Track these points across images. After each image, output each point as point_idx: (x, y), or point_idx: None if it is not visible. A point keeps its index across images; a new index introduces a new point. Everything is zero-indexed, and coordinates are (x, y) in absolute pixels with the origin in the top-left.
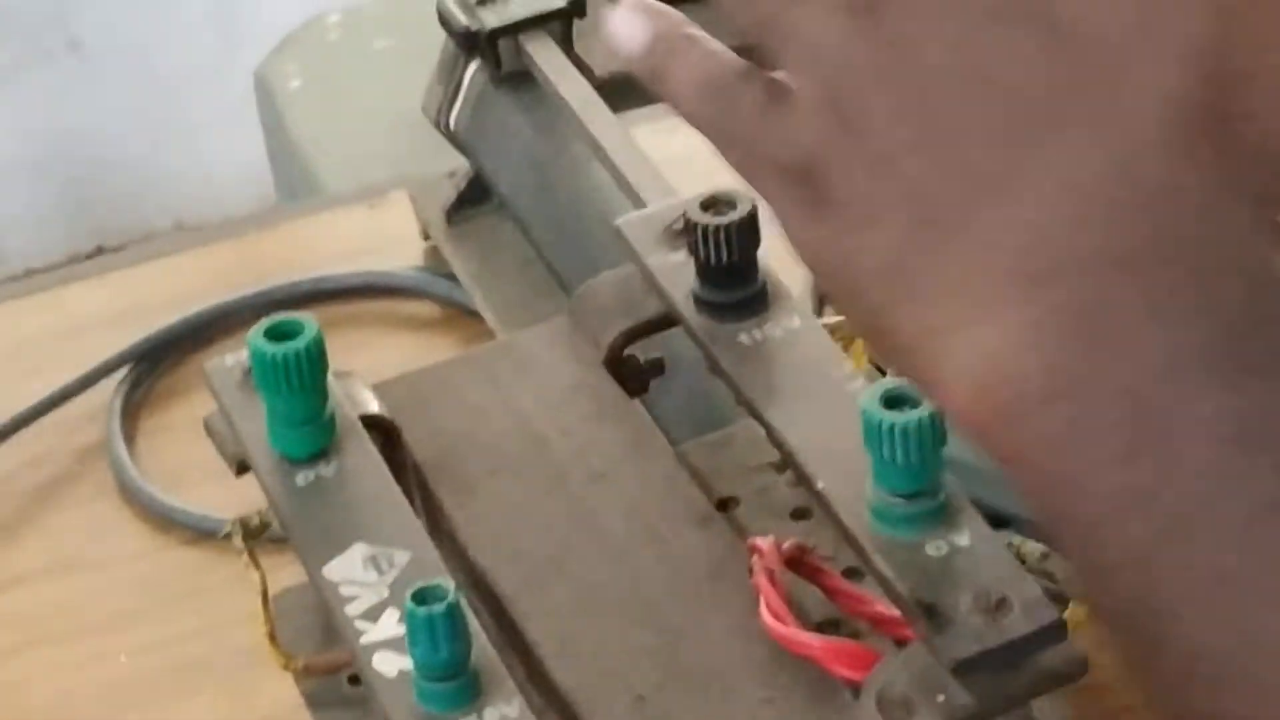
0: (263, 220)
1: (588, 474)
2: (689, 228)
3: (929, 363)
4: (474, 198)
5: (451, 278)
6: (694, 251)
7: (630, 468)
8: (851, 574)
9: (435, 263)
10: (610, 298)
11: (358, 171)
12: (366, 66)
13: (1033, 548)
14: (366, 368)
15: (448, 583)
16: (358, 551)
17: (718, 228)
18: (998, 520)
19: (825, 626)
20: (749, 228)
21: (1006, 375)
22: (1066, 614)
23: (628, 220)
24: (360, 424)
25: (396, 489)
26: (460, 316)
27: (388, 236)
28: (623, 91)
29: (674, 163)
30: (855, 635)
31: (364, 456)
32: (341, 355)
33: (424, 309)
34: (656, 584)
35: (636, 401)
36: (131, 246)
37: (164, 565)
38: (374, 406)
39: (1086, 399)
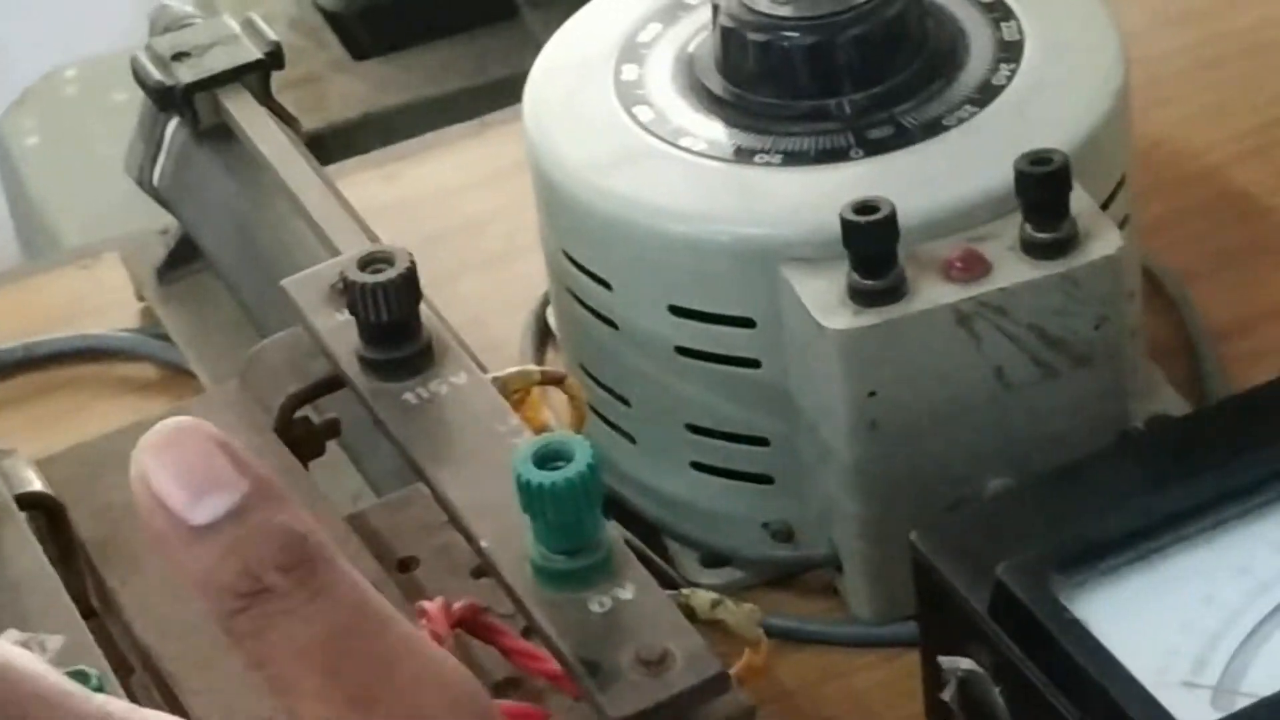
0: None
1: None
2: (347, 287)
3: None
4: (185, 256)
5: (167, 338)
6: (354, 311)
7: None
8: (531, 632)
9: (151, 323)
10: (280, 360)
11: (100, 228)
12: (105, 120)
13: (703, 597)
14: (85, 433)
15: (94, 668)
16: (9, 637)
17: (375, 286)
18: (717, 559)
19: (506, 686)
20: (407, 285)
21: None
22: (743, 662)
23: (293, 281)
24: (14, 505)
25: (51, 571)
26: (178, 377)
27: (105, 298)
28: (332, 145)
29: (393, 210)
30: (537, 694)
31: (18, 539)
32: (58, 421)
33: (142, 371)
34: None
35: (307, 469)
36: None
37: None
38: (35, 484)
39: None
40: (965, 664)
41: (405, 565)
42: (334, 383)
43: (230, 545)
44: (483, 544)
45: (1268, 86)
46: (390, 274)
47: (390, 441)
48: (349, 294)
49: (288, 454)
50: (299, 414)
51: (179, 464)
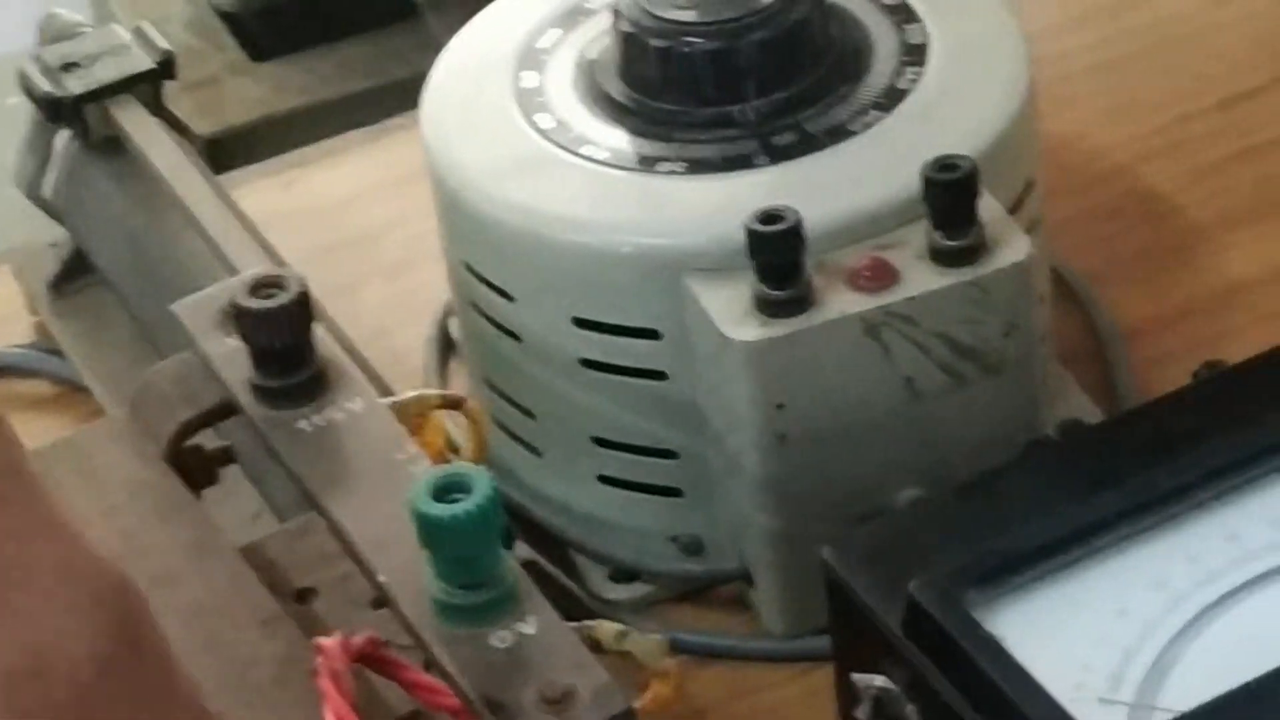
0: None
1: (148, 579)
2: (238, 313)
3: None
4: (79, 269)
5: (61, 353)
6: (246, 337)
7: (192, 570)
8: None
9: (45, 338)
10: (170, 387)
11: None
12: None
13: (609, 629)
14: None
15: None
16: None
17: (266, 311)
18: (625, 574)
19: None
20: (300, 309)
21: None
22: (651, 694)
23: (184, 304)
24: None
25: None
26: (74, 394)
27: None
28: (231, 148)
29: (291, 218)
30: None
31: None
32: None
33: (36, 388)
34: (220, 693)
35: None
36: None
37: None
38: None
39: None
40: (879, 681)
41: (303, 596)
42: (226, 410)
43: None
44: (381, 578)
45: (1172, 84)
46: (282, 299)
47: (285, 471)
48: (240, 320)
49: (178, 484)
50: (191, 442)
51: None
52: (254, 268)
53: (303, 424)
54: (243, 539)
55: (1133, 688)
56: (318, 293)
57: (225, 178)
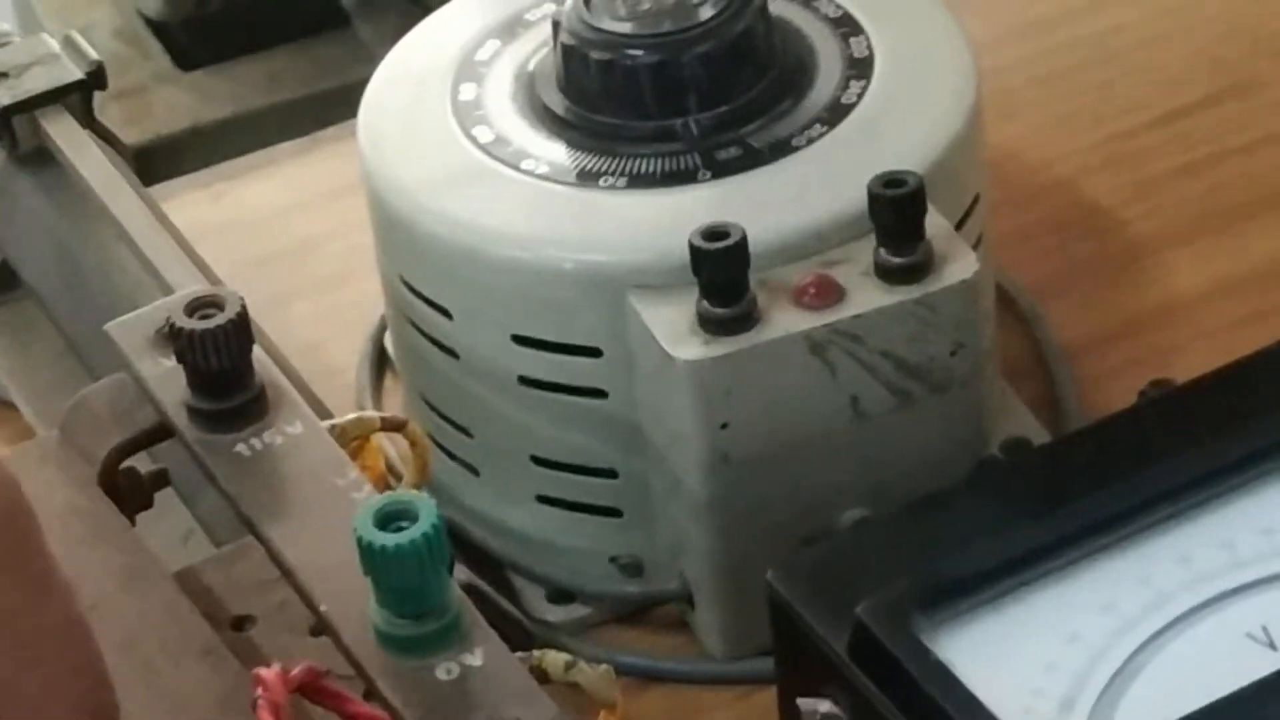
0: None
1: (81, 608)
2: (175, 334)
3: None
4: (5, 283)
5: None
6: (182, 358)
7: (126, 597)
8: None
9: None
10: (103, 409)
11: None
12: None
13: (556, 659)
14: None
15: None
16: None
17: (204, 332)
18: (563, 594)
19: None
20: (239, 330)
21: None
22: None
23: (118, 324)
24: None
25: None
26: (1, 411)
27: None
28: (159, 159)
29: (221, 231)
30: None
31: None
32: None
33: None
34: None
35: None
36: None
37: None
38: None
39: None
40: (824, 706)
41: (239, 624)
42: (161, 432)
43: None
44: (322, 608)
45: (1116, 97)
46: (220, 320)
47: (222, 496)
48: (176, 341)
49: (112, 509)
50: (125, 465)
51: None
52: (187, 285)
53: (240, 448)
54: (174, 561)
55: (1084, 714)
56: (249, 307)
57: (154, 189)
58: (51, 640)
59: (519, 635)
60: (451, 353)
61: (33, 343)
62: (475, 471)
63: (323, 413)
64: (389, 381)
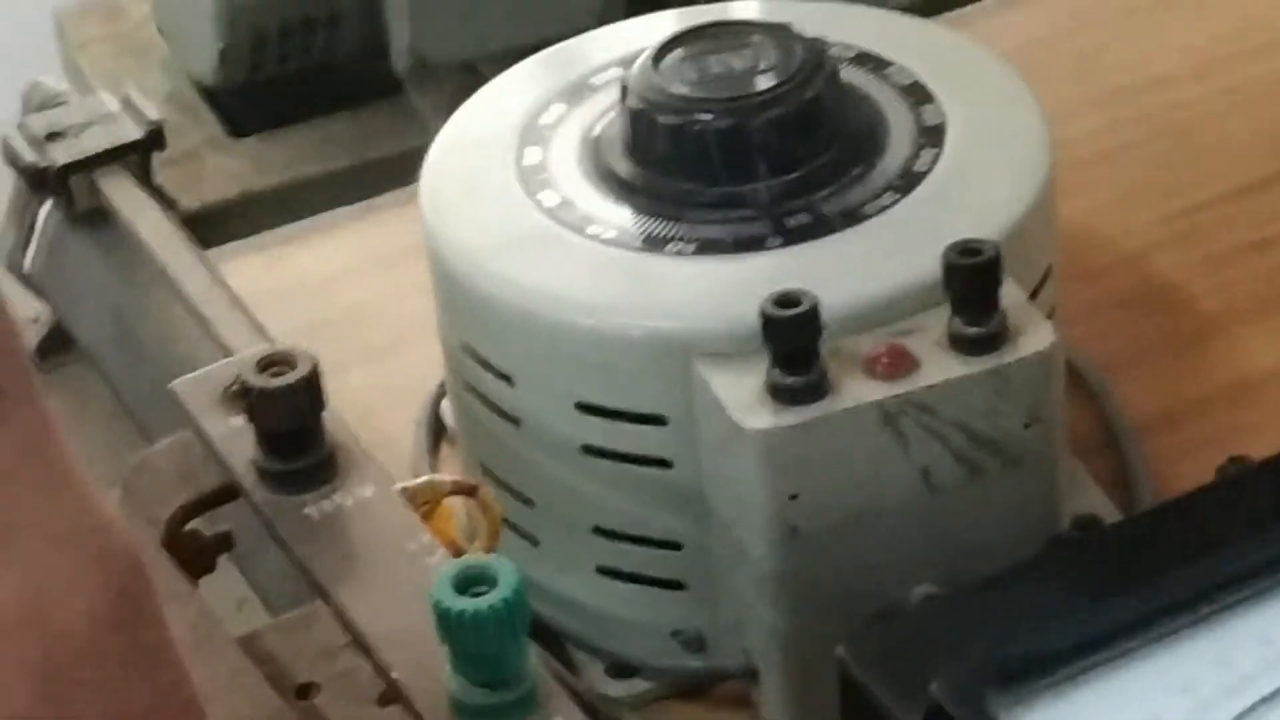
0: None
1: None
2: (245, 392)
3: None
4: (59, 344)
5: None
6: (252, 417)
7: (192, 665)
8: None
9: None
10: (168, 469)
11: None
12: None
13: None
14: None
15: None
16: None
17: (275, 391)
18: (624, 669)
19: None
20: (310, 389)
21: None
22: None
23: (183, 382)
24: None
25: None
26: None
27: None
28: (210, 225)
29: (275, 297)
30: None
31: None
32: None
33: None
34: None
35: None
36: None
37: None
38: None
39: None
40: None
41: (304, 692)
42: (228, 493)
43: None
44: (395, 675)
45: (1188, 170)
46: (292, 378)
47: (289, 559)
48: (246, 399)
49: (176, 573)
50: (188, 527)
51: None
52: (246, 345)
53: (310, 510)
54: (229, 628)
55: None
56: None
57: (208, 253)
58: None
59: (582, 710)
60: (513, 420)
61: (85, 406)
62: (535, 541)
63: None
64: (445, 451)
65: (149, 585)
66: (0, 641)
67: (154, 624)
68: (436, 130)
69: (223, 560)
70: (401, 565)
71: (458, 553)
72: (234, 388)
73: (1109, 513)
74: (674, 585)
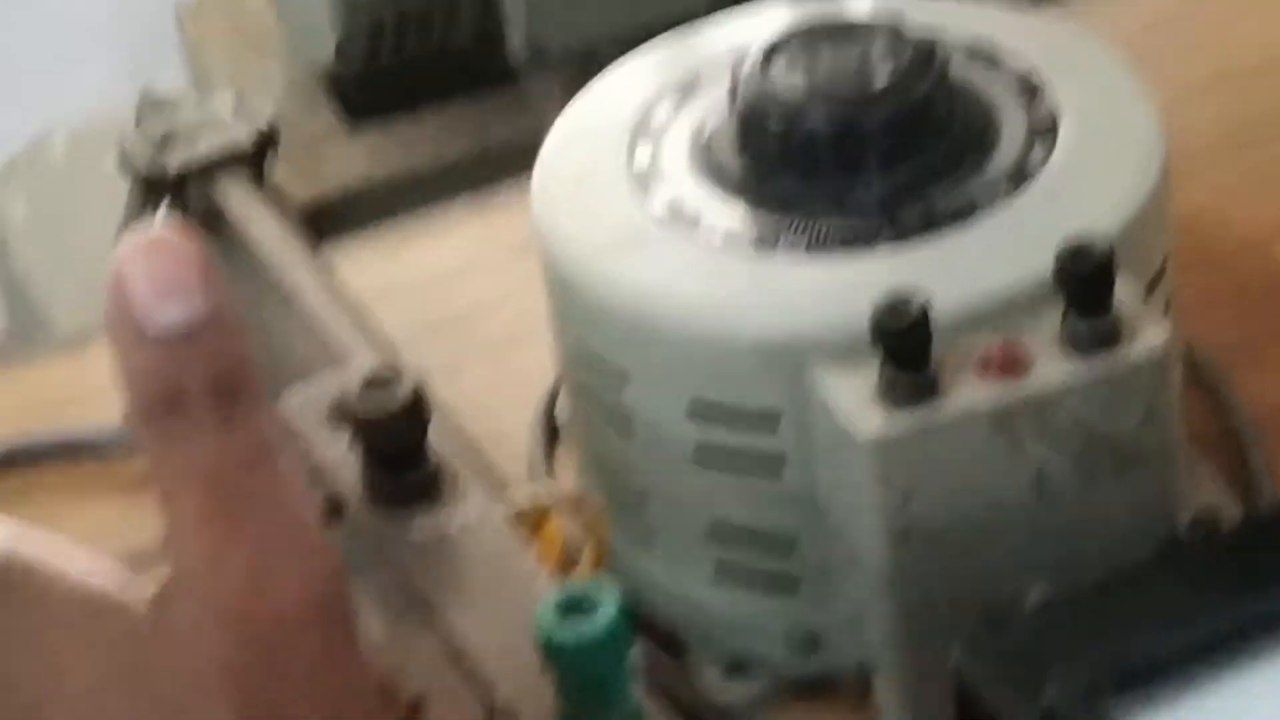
0: None
1: None
2: (351, 411)
3: None
4: None
5: None
6: (358, 436)
7: None
8: None
9: None
10: None
11: (92, 307)
12: (97, 190)
13: None
14: (74, 538)
15: None
16: None
17: (379, 413)
18: (738, 669)
19: None
20: (414, 408)
21: None
22: None
23: (290, 398)
24: None
25: None
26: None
27: (95, 388)
28: (328, 215)
29: (393, 293)
30: None
31: None
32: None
33: (135, 468)
34: None
35: None
36: None
37: None
38: None
39: None
40: None
41: (413, 707)
42: (333, 510)
43: (171, 356)
44: (500, 698)
45: None
46: (394, 400)
47: (395, 577)
48: (352, 418)
49: None
50: None
51: (155, 268)
52: (358, 358)
53: (414, 529)
54: None
55: None
56: (422, 372)
57: (329, 247)
58: None
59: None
60: (626, 420)
61: None
62: (649, 542)
63: (497, 483)
64: (560, 450)
65: (346, 588)
66: (231, 600)
67: (348, 624)
68: (552, 118)
69: None
70: (507, 586)
71: (566, 565)
72: (339, 404)
73: (1230, 509)
74: (787, 585)
